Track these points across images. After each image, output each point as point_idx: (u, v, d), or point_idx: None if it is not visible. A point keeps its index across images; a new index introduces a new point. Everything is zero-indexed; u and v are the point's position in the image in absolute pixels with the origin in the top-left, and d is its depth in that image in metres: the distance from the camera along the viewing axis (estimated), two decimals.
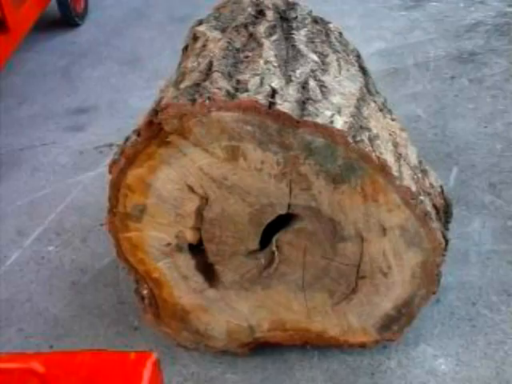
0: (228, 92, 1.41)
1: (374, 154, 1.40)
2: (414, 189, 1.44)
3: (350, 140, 1.38)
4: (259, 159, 1.43)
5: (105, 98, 3.16)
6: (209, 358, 1.80)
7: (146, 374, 1.11)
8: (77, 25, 3.92)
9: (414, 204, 1.44)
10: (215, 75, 1.48)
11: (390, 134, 1.64)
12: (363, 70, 2.01)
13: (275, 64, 1.57)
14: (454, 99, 2.80)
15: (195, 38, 1.88)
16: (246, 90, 1.42)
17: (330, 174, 1.42)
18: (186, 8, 3.90)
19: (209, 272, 1.64)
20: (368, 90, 1.86)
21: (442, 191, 1.68)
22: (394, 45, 3.30)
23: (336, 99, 1.52)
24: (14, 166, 2.75)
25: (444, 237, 1.57)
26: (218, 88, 1.42)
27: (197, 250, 1.61)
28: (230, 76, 1.51)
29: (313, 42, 1.85)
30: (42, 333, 1.95)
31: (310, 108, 1.42)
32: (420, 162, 1.67)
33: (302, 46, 1.76)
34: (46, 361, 1.09)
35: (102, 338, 1.91)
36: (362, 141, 1.40)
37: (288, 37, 1.82)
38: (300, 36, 1.83)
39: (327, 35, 1.98)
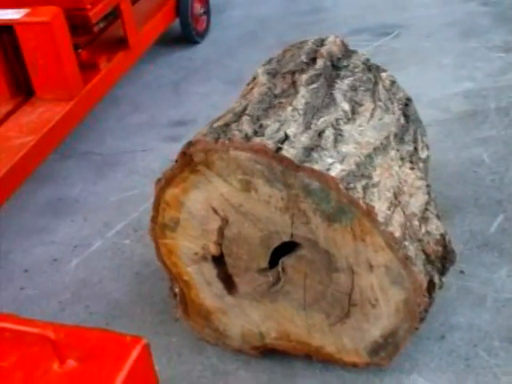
0: (246, 135, 1.69)
1: (361, 201, 1.61)
2: (397, 234, 1.64)
3: (341, 186, 1.61)
4: (267, 193, 1.70)
5: (204, 114, 3.52)
6: (229, 355, 2.09)
7: (134, 353, 1.43)
8: (196, 43, 4.34)
9: (396, 248, 1.64)
10: (244, 118, 1.77)
11: (400, 182, 1.83)
12: (407, 118, 2.21)
13: (301, 112, 1.82)
14: None
15: (254, 78, 2.17)
16: (263, 135, 1.69)
17: (325, 212, 1.66)
18: (295, 33, 4.17)
19: (228, 281, 1.92)
20: (401, 138, 2.06)
21: (444, 239, 1.84)
22: (482, 86, 3.38)
23: (347, 148, 1.75)
24: (114, 167, 3.19)
25: (432, 280, 1.75)
26: (239, 130, 1.70)
27: (219, 261, 1.90)
28: (257, 120, 1.78)
29: (355, 90, 2.08)
30: (102, 312, 2.33)
31: (315, 155, 1.66)
32: (424, 210, 1.84)
33: (338, 95, 1.99)
34: (59, 330, 1.43)
35: (148, 324, 2.25)
36: (354, 188, 1.62)
37: (331, 85, 2.06)
38: (342, 85, 2.06)
39: (375, 84, 2.18)
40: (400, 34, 4.11)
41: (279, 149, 1.64)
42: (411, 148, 2.08)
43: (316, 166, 1.62)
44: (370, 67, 2.26)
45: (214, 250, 1.87)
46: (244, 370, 2.04)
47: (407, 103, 2.28)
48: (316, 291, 1.82)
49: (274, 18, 4.68)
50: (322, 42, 2.30)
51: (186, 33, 4.26)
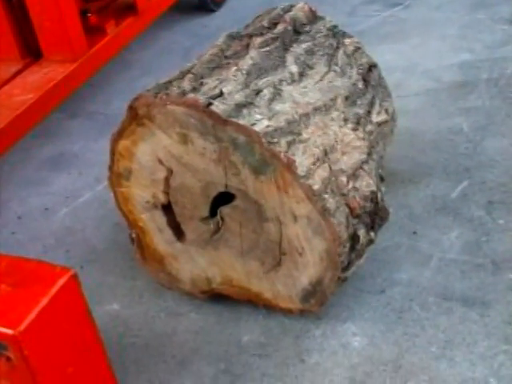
0: (184, 91, 1.83)
1: (283, 154, 1.74)
2: (316, 187, 1.75)
3: (264, 140, 1.73)
4: (202, 146, 1.84)
5: None
6: (184, 299, 2.25)
7: (61, 281, 1.61)
8: (212, 11, 4.47)
9: (314, 200, 1.76)
10: (187, 76, 1.91)
11: (336, 141, 1.94)
12: (366, 83, 2.30)
13: (244, 72, 1.95)
14: (504, 118, 2.90)
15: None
16: (199, 91, 1.83)
17: (252, 165, 1.79)
18: (310, 2, 4.25)
19: (177, 229, 2.08)
20: (353, 101, 2.15)
21: (376, 196, 1.94)
22: (479, 58, 3.39)
23: (282, 106, 1.87)
24: (115, 126, 3.36)
25: (356, 233, 1.86)
26: (178, 87, 1.85)
27: (168, 209, 2.06)
28: (201, 78, 1.92)
29: (312, 54, 2.18)
30: (80, 256, 2.53)
31: (244, 111, 1.79)
32: (358, 168, 1.94)
33: (290, 58, 2.11)
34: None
35: (118, 268, 2.44)
36: (277, 142, 1.75)
37: (287, 48, 2.17)
38: (298, 49, 2.17)
39: (336, 49, 2.28)
40: (410, 4, 4.12)
41: (210, 104, 1.77)
42: (362, 111, 2.16)
43: (242, 121, 1.75)
44: (335, 33, 2.35)
45: (162, 198, 2.03)
46: (195, 313, 2.20)
47: (370, 69, 2.36)
48: (251, 240, 1.95)
49: None
50: (289, 8, 2.40)
51: (201, 1, 4.39)
